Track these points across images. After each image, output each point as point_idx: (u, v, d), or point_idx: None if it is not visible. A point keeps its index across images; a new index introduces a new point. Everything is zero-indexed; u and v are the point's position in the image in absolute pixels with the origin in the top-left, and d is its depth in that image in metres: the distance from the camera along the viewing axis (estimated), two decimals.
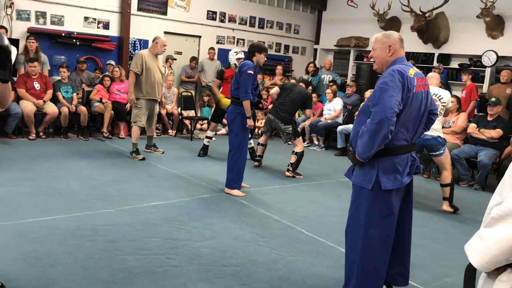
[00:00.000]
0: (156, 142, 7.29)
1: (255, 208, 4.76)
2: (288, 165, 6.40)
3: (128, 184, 5.24)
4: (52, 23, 8.54)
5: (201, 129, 9.18)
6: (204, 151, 7.24)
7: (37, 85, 7.43)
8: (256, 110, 5.41)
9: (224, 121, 8.56)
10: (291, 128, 6.37)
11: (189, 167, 6.31)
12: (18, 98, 7.31)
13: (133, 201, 4.64)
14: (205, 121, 9.16)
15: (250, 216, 4.49)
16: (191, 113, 9.29)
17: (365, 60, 11.20)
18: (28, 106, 7.19)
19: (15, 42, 7.78)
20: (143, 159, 6.54)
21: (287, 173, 6.37)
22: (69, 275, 2.96)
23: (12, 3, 8.02)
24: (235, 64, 7.09)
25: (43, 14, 8.42)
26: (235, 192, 5.16)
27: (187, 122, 9.19)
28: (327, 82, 10.32)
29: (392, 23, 10.34)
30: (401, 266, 2.95)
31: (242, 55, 7.11)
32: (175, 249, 3.54)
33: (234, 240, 3.83)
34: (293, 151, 6.41)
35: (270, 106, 7.03)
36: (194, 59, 10.01)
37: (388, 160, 2.67)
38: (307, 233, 4.16)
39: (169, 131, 8.97)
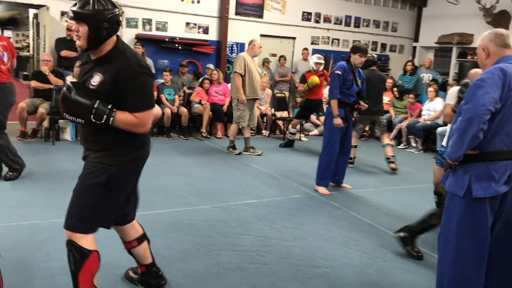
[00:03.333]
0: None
1: (346, 210, 4.72)
2: (389, 158, 6.59)
3: (223, 182, 5.46)
4: (157, 29, 9.14)
5: None
6: (286, 144, 8.00)
7: None
8: (353, 111, 5.40)
9: (312, 118, 8.96)
10: (385, 120, 6.78)
11: (281, 167, 6.41)
12: None
13: (227, 198, 4.84)
14: None
15: (342, 219, 4.46)
16: (284, 114, 9.41)
17: (469, 57, 10.51)
18: None
19: None
20: (239, 153, 6.97)
21: (392, 165, 6.56)
22: (167, 266, 3.17)
23: (122, 12, 8.73)
24: (312, 67, 7.85)
25: (149, 21, 9.04)
26: (320, 189, 5.26)
27: (280, 123, 9.32)
28: (427, 81, 9.86)
29: (500, 18, 9.60)
30: (506, 282, 2.71)
31: (321, 61, 7.84)
32: (266, 247, 3.64)
33: (324, 242, 3.84)
34: (387, 144, 6.66)
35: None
36: (282, 57, 10.15)
37: (482, 166, 2.48)
38: None
39: (262, 131, 9.16)
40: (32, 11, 9.66)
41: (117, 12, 2.29)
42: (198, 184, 5.32)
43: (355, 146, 6.77)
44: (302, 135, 8.93)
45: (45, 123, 7.26)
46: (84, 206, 2.33)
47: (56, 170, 5.51)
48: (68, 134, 7.31)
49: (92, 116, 2.21)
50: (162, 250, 3.43)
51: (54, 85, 7.17)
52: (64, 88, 2.27)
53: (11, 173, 4.93)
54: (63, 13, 8.20)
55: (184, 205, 4.52)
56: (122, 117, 2.25)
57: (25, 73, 12.80)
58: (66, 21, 8.14)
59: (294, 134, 8.02)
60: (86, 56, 2.42)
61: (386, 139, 6.70)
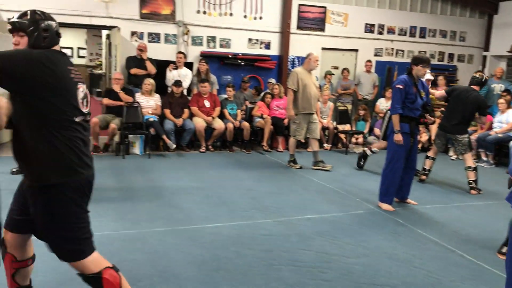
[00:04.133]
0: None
1: (411, 227, 4.58)
2: (470, 183, 6.15)
3: (284, 196, 5.48)
4: (221, 46, 9.41)
5: (356, 143, 9.13)
6: (362, 159, 7.43)
7: (207, 103, 8.24)
8: (418, 125, 5.23)
9: (376, 131, 8.76)
10: (467, 139, 6.20)
11: (343, 182, 6.34)
12: (191, 115, 8.20)
13: (288, 213, 4.85)
14: (360, 135, 9.09)
15: (406, 236, 4.34)
16: (347, 127, 9.30)
17: None
18: (199, 122, 8.02)
19: (189, 65, 8.77)
20: (300, 168, 7.01)
21: (473, 192, 6.10)
22: (229, 279, 3.24)
23: (188, 31, 9.07)
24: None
25: (213, 39, 9.33)
26: (384, 206, 5.15)
27: (342, 136, 9.22)
28: (499, 92, 9.39)
29: None
30: None
31: (430, 76, 7.60)
32: (327, 264, 3.61)
33: (387, 259, 3.76)
34: (469, 167, 6.16)
35: (437, 120, 6.69)
36: (345, 69, 10.09)
37: None
38: (470, 258, 3.86)
39: (324, 145, 9.10)
40: (105, 32, 10.29)
41: (55, 24, 2.28)
42: (260, 198, 5.38)
43: (433, 159, 6.57)
44: (365, 148, 8.77)
45: (116, 138, 7.66)
46: (69, 236, 2.23)
47: (126, 182, 5.80)
48: (137, 149, 7.67)
49: None
50: (224, 263, 3.50)
51: (125, 102, 7.57)
52: None
53: None
54: (133, 33, 8.67)
55: (246, 219, 4.59)
56: None
57: (98, 90, 13.60)
58: (136, 40, 8.59)
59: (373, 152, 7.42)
60: None
61: (468, 161, 6.17)
